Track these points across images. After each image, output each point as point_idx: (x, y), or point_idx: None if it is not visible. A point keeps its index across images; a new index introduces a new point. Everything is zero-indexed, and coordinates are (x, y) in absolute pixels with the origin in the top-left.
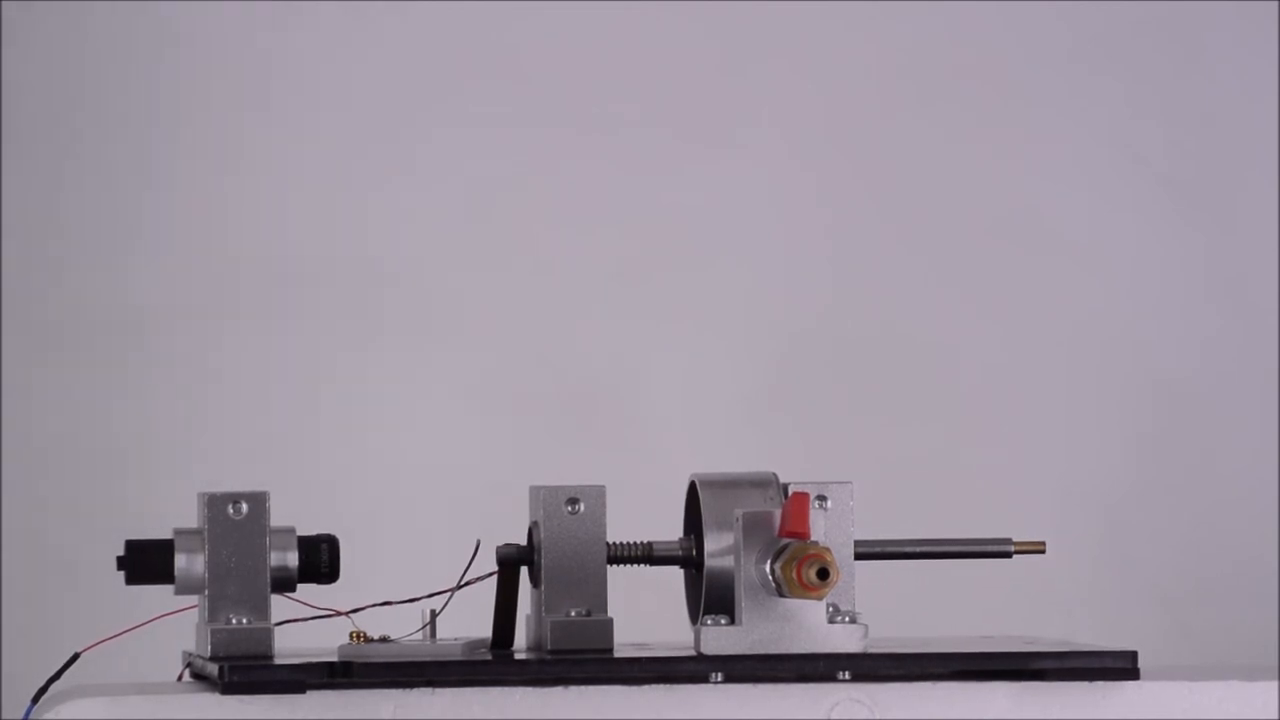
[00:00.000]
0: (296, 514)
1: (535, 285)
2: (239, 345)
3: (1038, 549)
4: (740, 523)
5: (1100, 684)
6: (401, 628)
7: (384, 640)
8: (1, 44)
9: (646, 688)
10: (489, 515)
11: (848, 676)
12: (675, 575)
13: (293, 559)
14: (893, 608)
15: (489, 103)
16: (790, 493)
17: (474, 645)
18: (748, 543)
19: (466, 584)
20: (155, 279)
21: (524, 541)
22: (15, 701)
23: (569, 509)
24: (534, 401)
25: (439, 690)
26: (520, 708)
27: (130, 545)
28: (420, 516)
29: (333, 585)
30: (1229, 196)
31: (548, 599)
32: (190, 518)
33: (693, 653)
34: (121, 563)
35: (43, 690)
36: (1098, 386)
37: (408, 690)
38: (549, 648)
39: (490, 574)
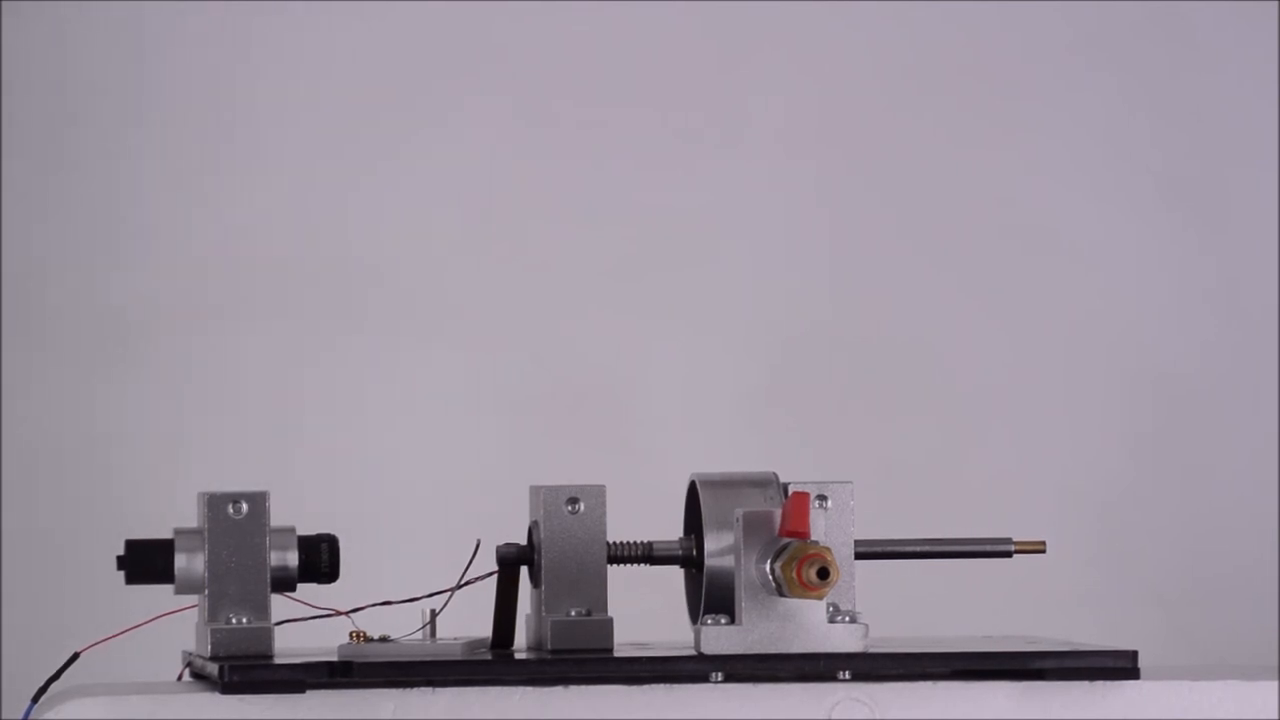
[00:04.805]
0: (296, 514)
1: (535, 285)
2: (240, 345)
3: (1038, 549)
4: (740, 522)
5: (1100, 684)
6: (401, 628)
7: (384, 640)
8: None
9: (646, 688)
10: (489, 515)
11: (848, 676)
12: (675, 575)
13: (293, 559)
14: (893, 608)
15: (485, 100)
16: (790, 492)
17: (474, 645)
18: (748, 542)
19: (466, 584)
20: (156, 279)
21: (524, 541)
22: (15, 701)
23: (569, 509)
24: (534, 401)
25: (439, 690)
26: (520, 708)
27: (130, 545)
28: (420, 516)
29: (333, 585)
30: (1228, 196)
31: (548, 599)
32: (190, 518)
33: (693, 653)
34: (121, 563)
35: (43, 690)
36: (1097, 386)
37: (408, 690)
38: (549, 648)
39: (490, 574)
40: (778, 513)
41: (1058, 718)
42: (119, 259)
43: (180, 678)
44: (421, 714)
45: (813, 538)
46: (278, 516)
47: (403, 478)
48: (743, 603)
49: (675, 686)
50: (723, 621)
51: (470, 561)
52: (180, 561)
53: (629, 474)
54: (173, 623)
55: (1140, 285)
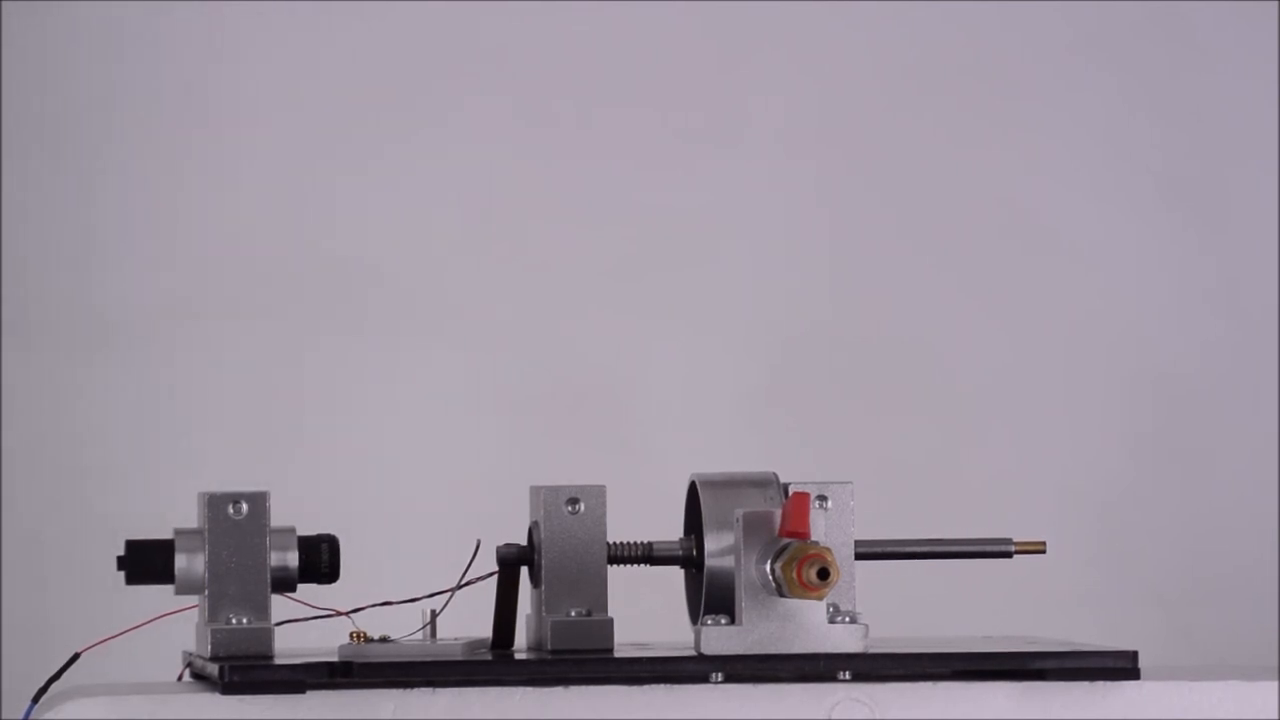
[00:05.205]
0: (296, 514)
1: (535, 285)
2: (240, 345)
3: (1038, 549)
4: (740, 523)
5: (1100, 684)
6: (401, 628)
7: (384, 640)
8: None
9: (646, 688)
10: (489, 515)
11: (848, 676)
12: (675, 575)
13: (293, 559)
14: (893, 608)
15: (485, 100)
16: (790, 493)
17: (474, 645)
18: (748, 543)
19: (466, 584)
20: (157, 279)
21: (524, 541)
22: (15, 701)
23: (569, 509)
24: (534, 401)
25: (439, 690)
26: (520, 708)
27: (130, 545)
28: (420, 517)
29: (333, 585)
30: (1228, 196)
31: (548, 599)
32: (190, 518)
33: (693, 653)
34: (121, 563)
35: (43, 690)
36: (1097, 386)
37: (408, 690)
38: (549, 648)
39: (490, 574)
40: (778, 513)
41: (1058, 718)
42: (122, 258)
43: (180, 678)
44: (421, 714)
45: (813, 538)
46: (278, 516)
47: (403, 478)
48: (743, 603)
49: (675, 687)
50: (723, 622)
51: (470, 562)
52: (180, 562)
53: (629, 474)
54: (173, 623)
55: (1140, 285)
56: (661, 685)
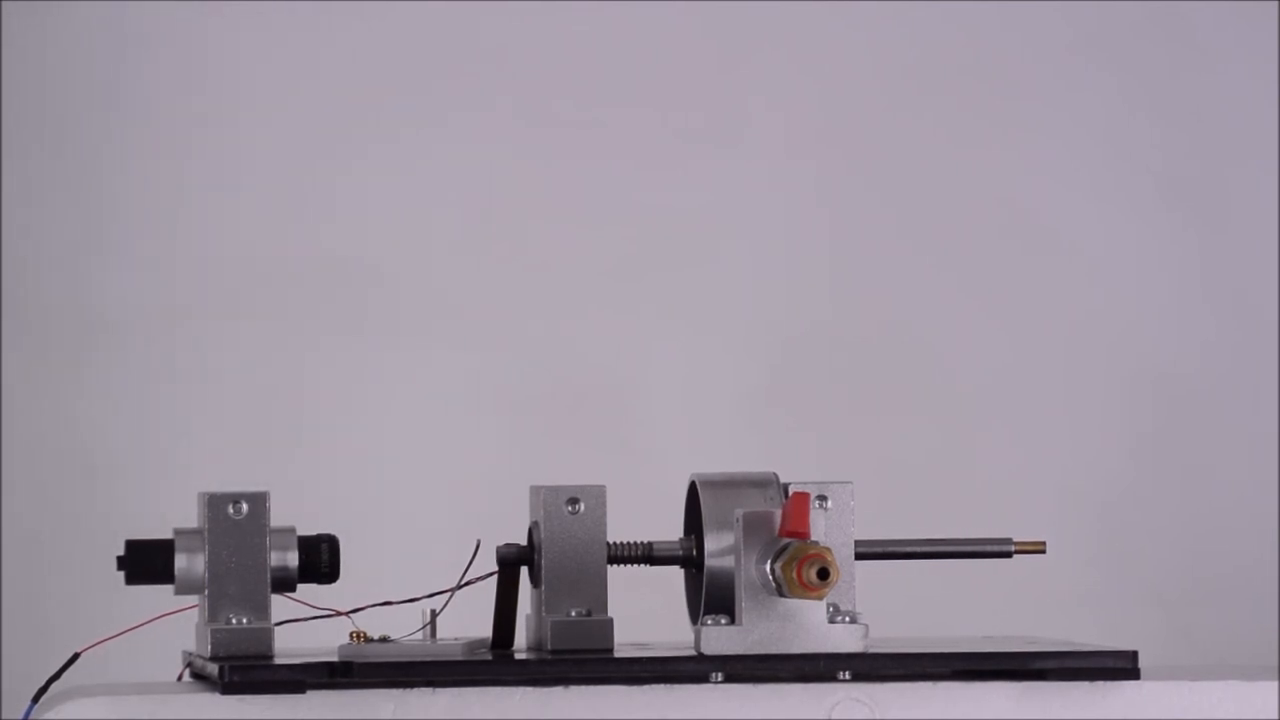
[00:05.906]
0: (296, 514)
1: (535, 285)
2: (240, 345)
3: (1038, 549)
4: (740, 523)
5: (1100, 684)
6: (401, 628)
7: (384, 640)
8: None
9: (646, 688)
10: (489, 515)
11: (848, 676)
12: (675, 575)
13: (293, 559)
14: (893, 608)
15: (485, 100)
16: (790, 493)
17: (474, 645)
18: (748, 543)
19: (466, 584)
20: (156, 280)
21: (524, 541)
22: (15, 701)
23: (569, 509)
24: (534, 401)
25: (439, 690)
26: (520, 708)
27: (130, 545)
28: (420, 516)
29: (333, 585)
30: (1228, 196)
31: (548, 599)
32: (190, 518)
33: (693, 653)
34: (121, 563)
35: (43, 690)
36: (1097, 386)
37: (408, 690)
38: (549, 648)
39: (490, 574)
40: (778, 513)
41: (1058, 718)
42: (122, 258)
43: (180, 678)
44: (421, 714)
45: (813, 538)
46: (278, 516)
47: (403, 478)
48: (743, 603)
49: (675, 687)
50: (723, 622)
51: (470, 562)
52: (180, 561)
53: (629, 474)
54: (173, 623)
55: (1140, 285)
56: (661, 685)
